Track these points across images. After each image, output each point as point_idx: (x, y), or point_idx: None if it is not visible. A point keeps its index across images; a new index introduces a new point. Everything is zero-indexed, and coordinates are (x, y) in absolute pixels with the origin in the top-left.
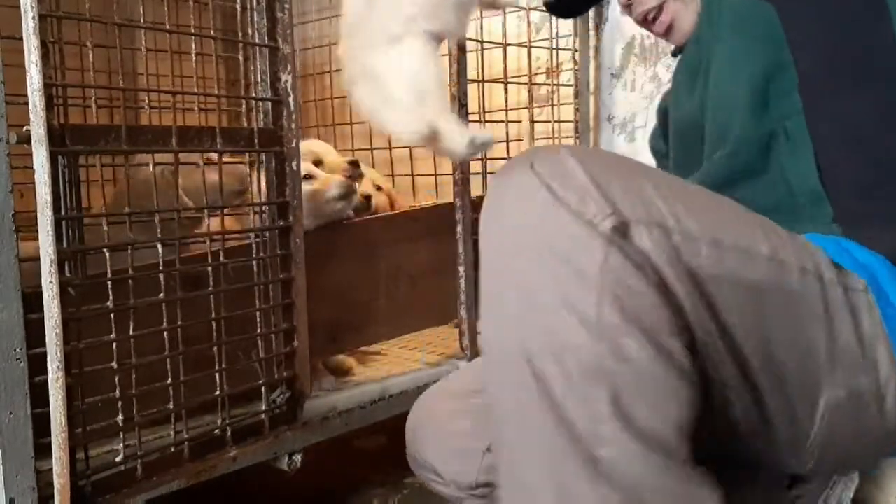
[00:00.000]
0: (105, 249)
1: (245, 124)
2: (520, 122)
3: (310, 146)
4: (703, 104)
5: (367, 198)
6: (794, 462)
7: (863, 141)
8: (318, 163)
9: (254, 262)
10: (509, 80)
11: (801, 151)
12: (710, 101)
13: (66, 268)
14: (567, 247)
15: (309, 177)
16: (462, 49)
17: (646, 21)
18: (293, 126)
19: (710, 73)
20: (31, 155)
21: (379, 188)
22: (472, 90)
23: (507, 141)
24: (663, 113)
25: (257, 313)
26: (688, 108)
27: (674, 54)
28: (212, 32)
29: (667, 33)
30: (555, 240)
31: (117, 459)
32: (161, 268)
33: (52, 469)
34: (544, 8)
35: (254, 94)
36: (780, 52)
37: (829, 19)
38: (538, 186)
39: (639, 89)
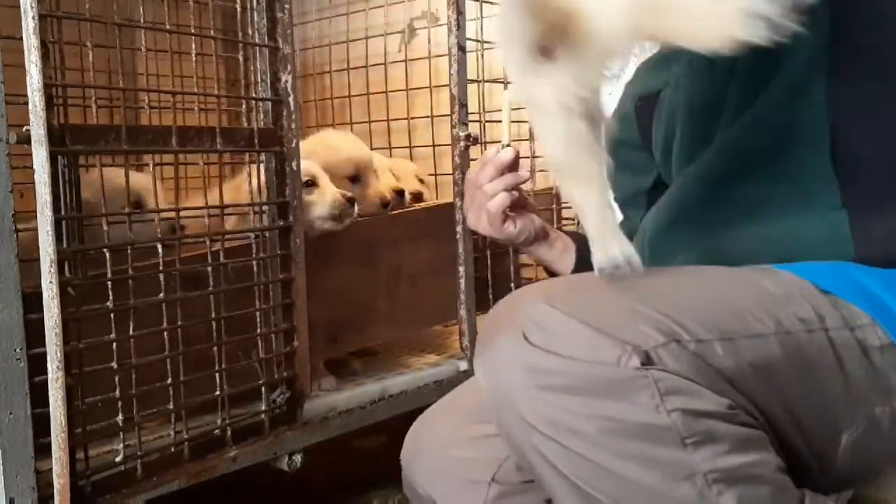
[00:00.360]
0: (105, 249)
1: (245, 124)
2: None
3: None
4: (732, 72)
5: (400, 193)
6: (820, 486)
7: (885, 123)
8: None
9: (254, 262)
10: (509, 80)
11: (814, 137)
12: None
13: (66, 268)
14: (617, 400)
15: (311, 184)
16: (462, 49)
17: None
18: (293, 126)
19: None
20: (30, 155)
21: (421, 181)
22: (472, 90)
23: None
24: (642, 101)
25: (257, 313)
26: (705, 83)
27: None
28: (212, 32)
29: None
30: (599, 404)
31: (117, 459)
32: (161, 268)
33: (51, 469)
34: None
35: (254, 94)
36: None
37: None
38: (543, 357)
39: None
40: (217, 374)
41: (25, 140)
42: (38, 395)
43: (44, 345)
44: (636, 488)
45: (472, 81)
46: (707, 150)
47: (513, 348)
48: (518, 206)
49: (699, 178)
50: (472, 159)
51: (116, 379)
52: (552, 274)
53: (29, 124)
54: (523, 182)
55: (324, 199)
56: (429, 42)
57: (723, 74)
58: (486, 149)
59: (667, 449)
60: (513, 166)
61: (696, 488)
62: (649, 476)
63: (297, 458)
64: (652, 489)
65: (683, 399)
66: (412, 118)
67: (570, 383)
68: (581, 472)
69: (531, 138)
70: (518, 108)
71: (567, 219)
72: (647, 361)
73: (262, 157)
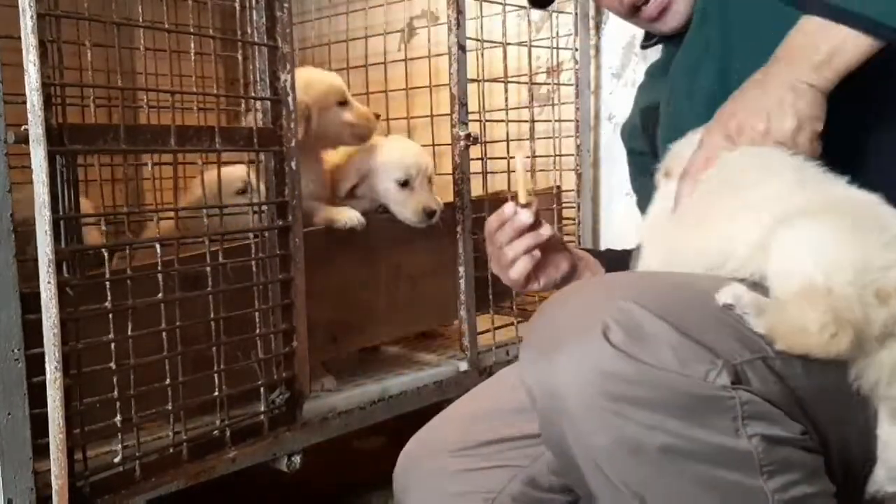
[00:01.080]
0: (104, 249)
1: (244, 124)
2: (520, 122)
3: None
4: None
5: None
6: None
7: None
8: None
9: (253, 263)
10: (509, 79)
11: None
12: None
13: (65, 268)
14: (699, 414)
15: (405, 184)
16: (462, 48)
17: (637, 6)
18: (292, 125)
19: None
20: (28, 154)
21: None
22: (472, 90)
23: (507, 141)
24: (650, 110)
25: (256, 313)
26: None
27: (643, 47)
28: (211, 31)
29: (660, 16)
30: (680, 412)
31: (116, 460)
32: (160, 268)
33: (50, 470)
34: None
35: (253, 94)
36: None
37: None
38: (624, 362)
39: None
40: (216, 375)
41: (23, 139)
42: (37, 395)
43: (42, 345)
44: None
45: (472, 81)
46: None
47: (587, 349)
48: (546, 252)
49: None
50: (473, 159)
51: (115, 379)
52: None
53: (27, 124)
54: (544, 240)
55: (409, 206)
56: (429, 41)
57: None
58: (485, 149)
59: (741, 475)
60: (532, 226)
61: None
62: (717, 499)
63: (297, 458)
64: None
65: (764, 425)
66: (412, 117)
67: (649, 396)
68: (643, 490)
69: (531, 138)
70: (518, 108)
71: (567, 219)
72: (736, 380)
73: (262, 156)
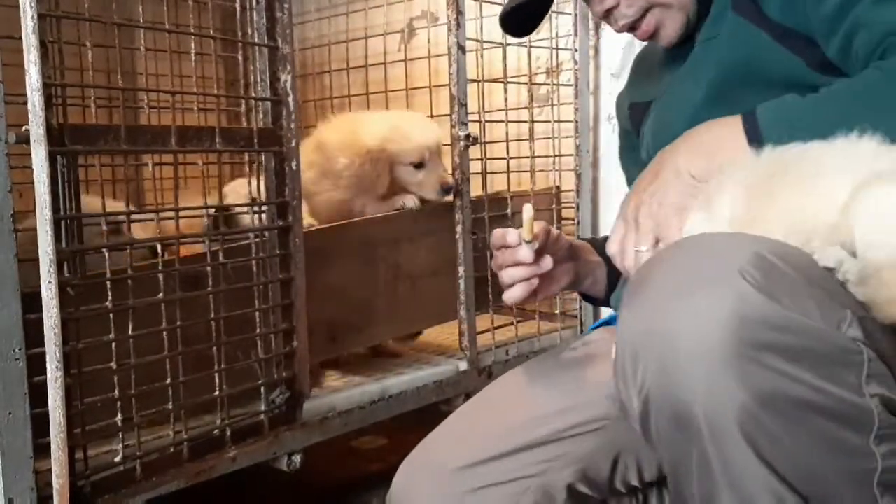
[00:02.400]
0: (104, 249)
1: (245, 124)
2: (520, 122)
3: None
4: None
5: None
6: None
7: None
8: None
9: (253, 263)
10: (509, 80)
11: None
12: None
13: (65, 268)
14: (835, 363)
15: (419, 165)
16: (462, 49)
17: (629, 29)
18: (293, 126)
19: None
20: (29, 155)
21: None
22: (472, 90)
23: (507, 141)
24: (638, 106)
25: (256, 313)
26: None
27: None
28: (211, 32)
29: (653, 37)
30: (815, 359)
31: (116, 460)
32: (160, 268)
33: (51, 469)
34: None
35: (253, 94)
36: None
37: None
38: (767, 304)
39: None
40: (216, 375)
41: (24, 140)
42: (38, 395)
43: (43, 345)
44: (813, 467)
45: (472, 81)
46: None
47: (725, 291)
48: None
49: None
50: (472, 159)
51: (115, 379)
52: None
53: (28, 124)
54: (543, 272)
55: (426, 185)
56: (428, 42)
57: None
58: (485, 149)
59: (854, 433)
60: (533, 262)
61: (868, 480)
62: (830, 458)
63: (297, 458)
64: (827, 471)
65: (884, 386)
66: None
67: (793, 344)
68: (765, 445)
69: (531, 138)
70: (518, 108)
71: (567, 219)
72: (865, 333)
73: (262, 156)
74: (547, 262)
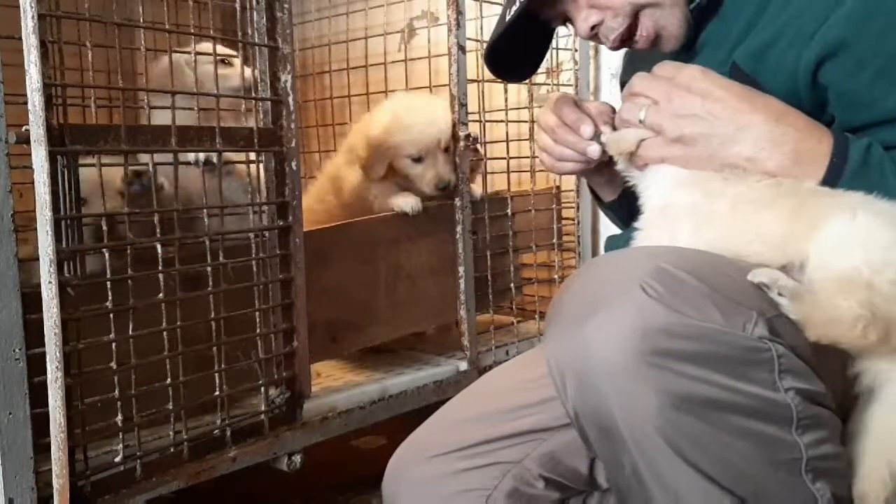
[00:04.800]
0: (104, 249)
1: (244, 124)
2: (520, 122)
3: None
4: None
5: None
6: None
7: None
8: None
9: (253, 262)
10: None
11: None
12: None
13: (66, 268)
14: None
15: (418, 160)
16: (462, 49)
17: (624, 42)
18: (293, 126)
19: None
20: (30, 155)
21: None
22: (472, 90)
23: (507, 141)
24: None
25: (257, 313)
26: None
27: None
28: (211, 32)
29: (655, 44)
30: (723, 360)
31: (116, 460)
32: (161, 268)
33: (51, 469)
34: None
35: (253, 94)
36: None
37: None
38: (667, 314)
39: None
40: (217, 375)
41: (25, 140)
42: (38, 395)
43: (43, 345)
44: (738, 463)
45: (472, 81)
46: None
47: (628, 306)
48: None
49: None
50: (472, 159)
51: (116, 379)
52: (595, 194)
53: (28, 124)
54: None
55: (424, 179)
56: (428, 42)
57: None
58: (485, 149)
59: (777, 428)
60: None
61: (796, 469)
62: (754, 453)
63: (297, 458)
64: (752, 466)
65: (798, 379)
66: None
67: (694, 349)
68: (686, 447)
69: (531, 138)
70: (518, 108)
71: (567, 219)
72: (772, 331)
73: (262, 156)
74: (594, 149)
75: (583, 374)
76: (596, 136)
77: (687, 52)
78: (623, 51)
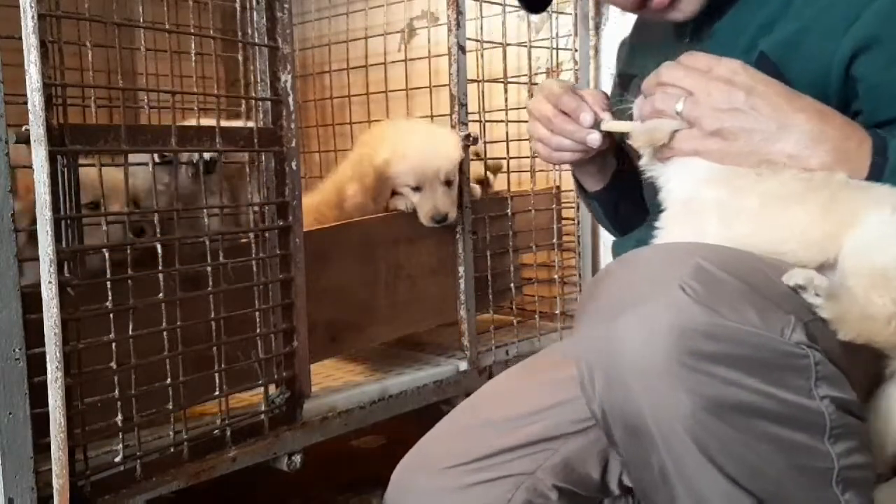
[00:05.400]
0: (105, 249)
1: (244, 124)
2: (520, 122)
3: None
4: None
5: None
6: None
7: None
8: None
9: (253, 262)
10: (509, 79)
11: None
12: None
13: (66, 268)
14: (779, 367)
15: (417, 189)
16: (462, 49)
17: (639, 5)
18: (293, 126)
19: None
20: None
21: None
22: (472, 90)
23: (507, 141)
24: (620, 79)
25: (257, 313)
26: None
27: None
28: (211, 32)
29: (673, 4)
30: (760, 364)
31: (116, 460)
32: (161, 267)
33: (51, 469)
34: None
35: (253, 94)
36: None
37: None
38: (707, 315)
39: None
40: (217, 375)
41: (25, 140)
42: (38, 395)
43: (43, 345)
44: (765, 469)
45: (472, 81)
46: None
47: (665, 304)
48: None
49: None
50: (473, 159)
51: (116, 379)
52: (579, 185)
53: (28, 124)
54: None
55: (422, 209)
56: (428, 42)
57: None
58: (485, 149)
59: (808, 436)
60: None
61: (826, 479)
62: (782, 460)
63: (297, 458)
64: (779, 472)
65: (834, 388)
66: (412, 118)
67: (731, 351)
68: (715, 451)
69: (531, 139)
70: (518, 108)
71: (567, 219)
72: (811, 337)
73: (262, 156)
74: (594, 138)
75: (613, 371)
76: (596, 125)
77: (694, 39)
78: (618, 43)
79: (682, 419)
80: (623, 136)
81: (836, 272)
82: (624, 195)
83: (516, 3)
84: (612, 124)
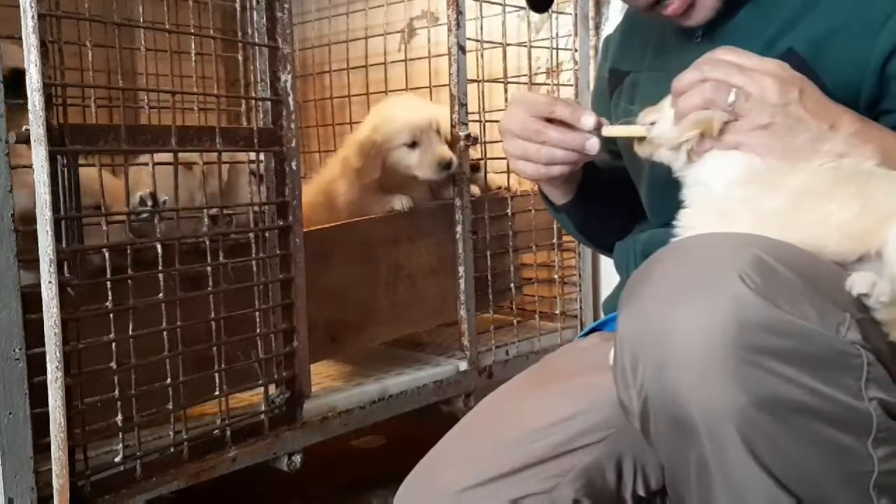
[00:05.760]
0: (105, 249)
1: (245, 124)
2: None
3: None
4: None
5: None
6: None
7: None
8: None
9: (253, 262)
10: (509, 80)
11: None
12: None
13: (66, 268)
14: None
15: (413, 145)
16: (462, 49)
17: (656, 5)
18: (293, 126)
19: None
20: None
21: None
22: (472, 90)
23: None
24: (613, 74)
25: (257, 313)
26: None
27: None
28: (211, 32)
29: (686, 12)
30: (816, 361)
31: (116, 460)
32: (161, 267)
33: (51, 469)
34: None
35: (253, 94)
36: None
37: None
38: (766, 308)
39: None
40: (217, 374)
41: (25, 140)
42: (38, 395)
43: (43, 345)
44: (808, 469)
45: (472, 81)
46: None
47: (723, 295)
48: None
49: None
50: (472, 159)
51: (116, 379)
52: (546, 200)
53: (28, 124)
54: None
55: (424, 163)
56: (429, 41)
57: None
58: (485, 149)
59: (854, 438)
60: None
61: (864, 482)
62: (826, 461)
63: (297, 458)
64: (821, 473)
65: (882, 390)
66: None
67: (789, 347)
68: (761, 447)
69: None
70: None
71: None
72: (865, 336)
73: (262, 156)
74: (591, 144)
75: (664, 360)
76: (596, 129)
77: (706, 39)
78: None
79: (732, 414)
80: (625, 141)
81: (883, 265)
82: (593, 206)
83: (517, 3)
84: (618, 129)
